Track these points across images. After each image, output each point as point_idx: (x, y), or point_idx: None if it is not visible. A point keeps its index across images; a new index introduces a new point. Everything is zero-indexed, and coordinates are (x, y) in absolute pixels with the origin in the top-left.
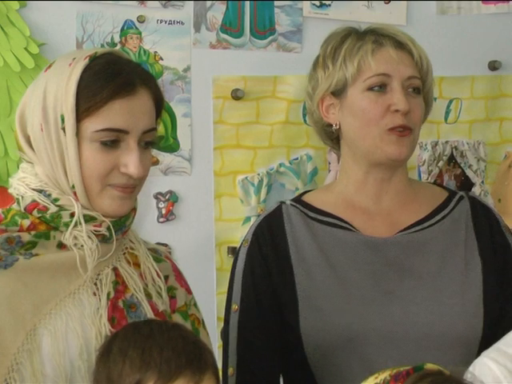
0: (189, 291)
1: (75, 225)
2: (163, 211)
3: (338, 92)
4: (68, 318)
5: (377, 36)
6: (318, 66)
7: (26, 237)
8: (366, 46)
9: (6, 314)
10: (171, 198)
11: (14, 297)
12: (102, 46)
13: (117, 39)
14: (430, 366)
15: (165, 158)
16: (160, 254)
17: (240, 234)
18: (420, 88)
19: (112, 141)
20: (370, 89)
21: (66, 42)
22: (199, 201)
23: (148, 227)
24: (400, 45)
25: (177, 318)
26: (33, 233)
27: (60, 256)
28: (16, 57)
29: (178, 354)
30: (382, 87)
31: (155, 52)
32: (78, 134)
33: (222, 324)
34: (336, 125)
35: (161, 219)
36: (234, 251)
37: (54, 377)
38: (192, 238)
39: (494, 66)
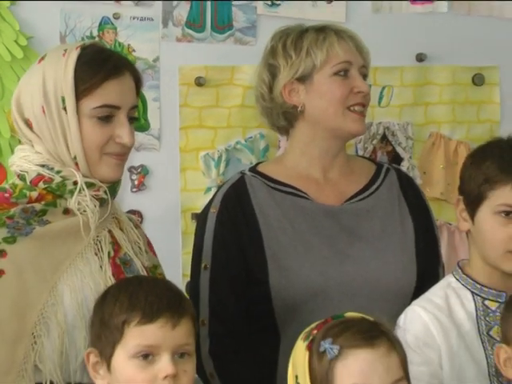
0: (155, 254)
1: (80, 191)
2: (136, 182)
3: (304, 78)
4: (81, 275)
5: (335, 31)
6: (278, 57)
7: (38, 206)
8: (330, 37)
9: (31, 276)
10: (142, 171)
11: (36, 260)
12: (83, 39)
13: (95, 33)
14: (350, 314)
15: (137, 136)
16: (133, 221)
17: (202, 202)
18: (367, 75)
19: (107, 116)
20: (336, 74)
21: (51, 36)
22: (167, 173)
23: (123, 196)
24: (353, 39)
25: None
26: (43, 202)
27: (67, 222)
28: (7, 48)
29: (160, 299)
30: (345, 73)
31: (128, 44)
32: (77, 111)
33: (186, 279)
34: (301, 106)
35: (134, 189)
36: (196, 217)
37: (74, 325)
38: (161, 206)
39: (420, 57)
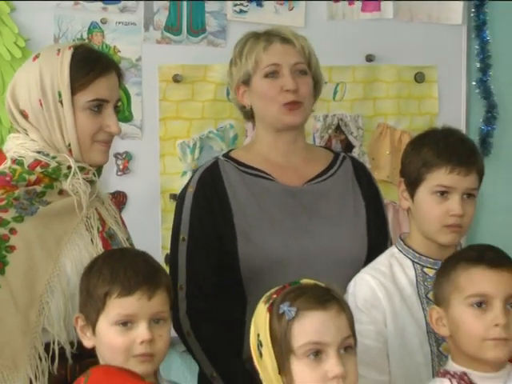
0: (125, 227)
1: (72, 175)
2: (121, 167)
3: (246, 81)
4: (78, 248)
5: (268, 36)
6: (232, 64)
7: (39, 188)
8: (258, 45)
9: (38, 251)
10: (127, 157)
11: (41, 236)
12: (74, 41)
13: (85, 36)
14: (305, 280)
15: (122, 126)
16: (109, 199)
17: (179, 184)
18: (305, 70)
19: (98, 108)
20: (266, 76)
21: (46, 38)
22: (148, 159)
23: (110, 179)
24: (285, 40)
25: None
26: (42, 185)
27: (63, 202)
28: (7, 49)
29: (138, 274)
30: (274, 74)
31: (114, 46)
32: (72, 104)
33: (165, 251)
34: (248, 106)
35: (119, 173)
36: (174, 197)
37: (75, 292)
38: (143, 187)
39: (369, 58)
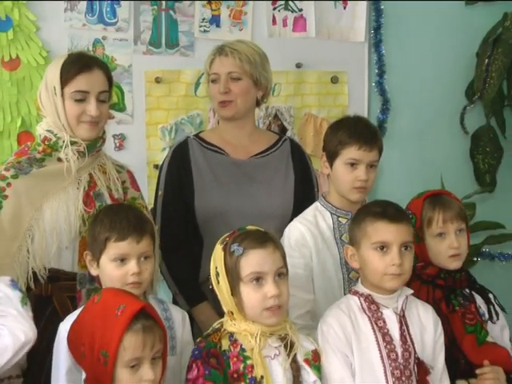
0: (137, 190)
1: (66, 146)
2: (117, 144)
3: (208, 82)
4: (59, 201)
5: (216, 51)
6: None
7: (38, 156)
8: (210, 57)
9: (23, 199)
10: (121, 137)
11: (29, 189)
12: None
13: (90, 48)
14: (250, 227)
15: (117, 114)
16: (123, 168)
17: (160, 156)
18: (239, 76)
19: (81, 98)
20: (211, 82)
21: (62, 50)
22: (137, 139)
23: (110, 153)
24: (225, 53)
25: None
26: (42, 153)
27: (58, 166)
28: (34, 58)
29: (129, 224)
30: (215, 80)
31: (112, 56)
32: (62, 95)
33: (150, 205)
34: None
35: (116, 149)
36: (157, 166)
37: (51, 234)
38: (134, 160)
39: (298, 65)
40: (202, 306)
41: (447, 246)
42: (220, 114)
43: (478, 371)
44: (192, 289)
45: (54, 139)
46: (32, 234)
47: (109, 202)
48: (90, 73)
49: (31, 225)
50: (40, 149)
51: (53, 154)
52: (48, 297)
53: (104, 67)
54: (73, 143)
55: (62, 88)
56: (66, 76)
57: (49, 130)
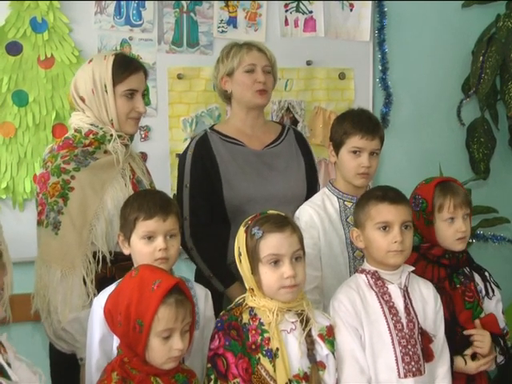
0: (150, 175)
1: (114, 140)
2: (143, 135)
3: (230, 74)
4: (115, 190)
5: (249, 45)
6: (219, 61)
7: (90, 149)
8: (242, 50)
9: (89, 191)
10: (147, 129)
11: (92, 181)
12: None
13: (118, 48)
14: (270, 211)
15: None
16: (140, 156)
17: (182, 146)
18: (270, 70)
19: (131, 95)
20: (246, 72)
21: (92, 49)
22: (161, 130)
23: (136, 143)
24: (260, 49)
25: None
26: (93, 146)
27: (107, 158)
28: (67, 57)
29: (155, 205)
30: (251, 71)
31: (138, 54)
32: (114, 93)
33: (173, 192)
34: (229, 91)
35: (142, 139)
36: (178, 155)
37: (113, 219)
38: (158, 149)
39: (309, 62)
40: (234, 286)
41: (455, 230)
42: (255, 101)
43: (465, 332)
44: (224, 271)
45: (100, 133)
46: (98, 221)
47: (147, 187)
48: (138, 73)
49: (97, 213)
50: (87, 142)
51: (101, 147)
52: (112, 277)
53: (144, 68)
54: (119, 136)
55: (114, 86)
56: (120, 76)
57: (92, 124)
